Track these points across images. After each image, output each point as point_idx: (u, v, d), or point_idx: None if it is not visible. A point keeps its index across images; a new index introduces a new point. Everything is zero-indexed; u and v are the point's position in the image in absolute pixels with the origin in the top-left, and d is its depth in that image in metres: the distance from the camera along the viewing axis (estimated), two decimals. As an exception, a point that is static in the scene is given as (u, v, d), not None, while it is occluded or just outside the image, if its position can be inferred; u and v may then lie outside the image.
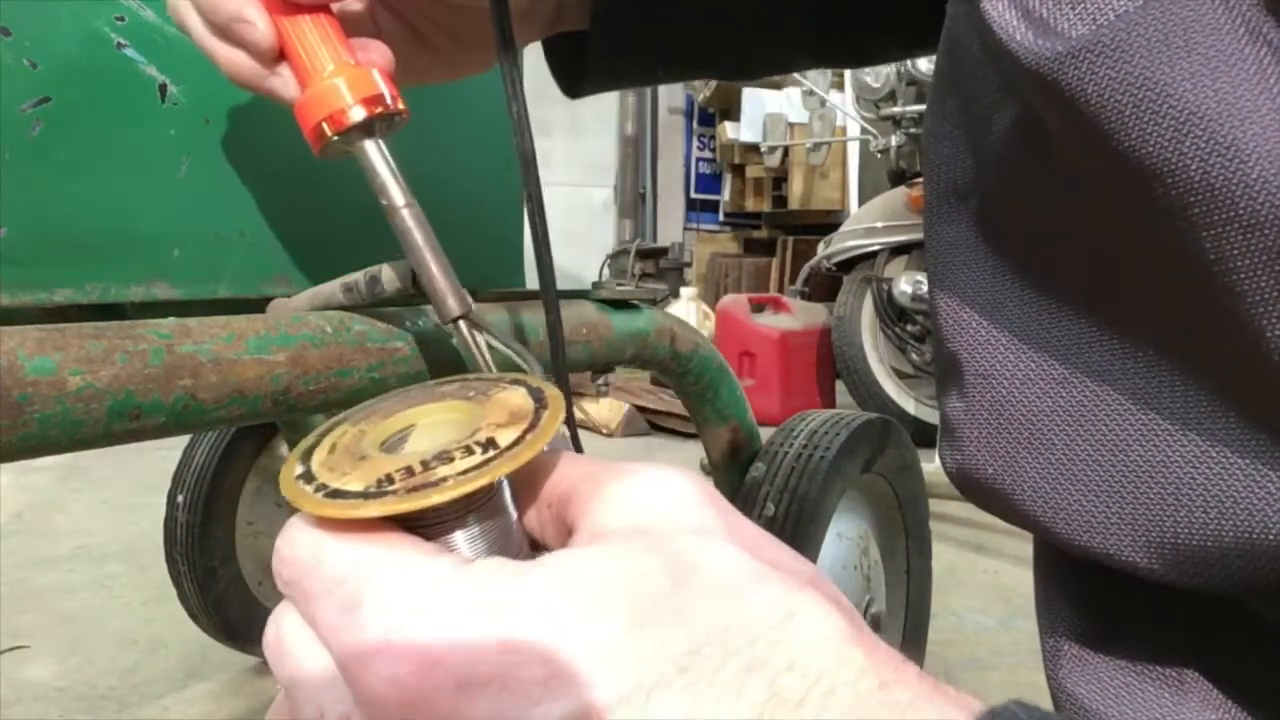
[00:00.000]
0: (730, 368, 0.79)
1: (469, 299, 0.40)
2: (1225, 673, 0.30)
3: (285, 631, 0.23)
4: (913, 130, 2.89)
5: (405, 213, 0.40)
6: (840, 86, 3.61)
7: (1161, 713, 0.30)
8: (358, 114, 0.39)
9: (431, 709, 0.20)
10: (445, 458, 0.23)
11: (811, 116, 3.75)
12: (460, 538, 0.23)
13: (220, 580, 1.06)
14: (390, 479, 0.23)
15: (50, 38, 0.46)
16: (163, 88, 0.51)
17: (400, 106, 0.41)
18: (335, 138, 0.40)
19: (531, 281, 0.77)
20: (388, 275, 0.46)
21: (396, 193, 0.40)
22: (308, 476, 0.24)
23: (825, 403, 3.16)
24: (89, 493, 1.90)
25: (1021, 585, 1.46)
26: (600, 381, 2.92)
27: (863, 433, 0.82)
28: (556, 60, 0.54)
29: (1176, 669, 0.31)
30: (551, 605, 0.20)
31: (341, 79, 0.39)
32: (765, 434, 0.83)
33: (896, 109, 2.96)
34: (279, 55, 0.41)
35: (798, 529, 0.74)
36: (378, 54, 0.42)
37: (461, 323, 0.40)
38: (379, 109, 0.40)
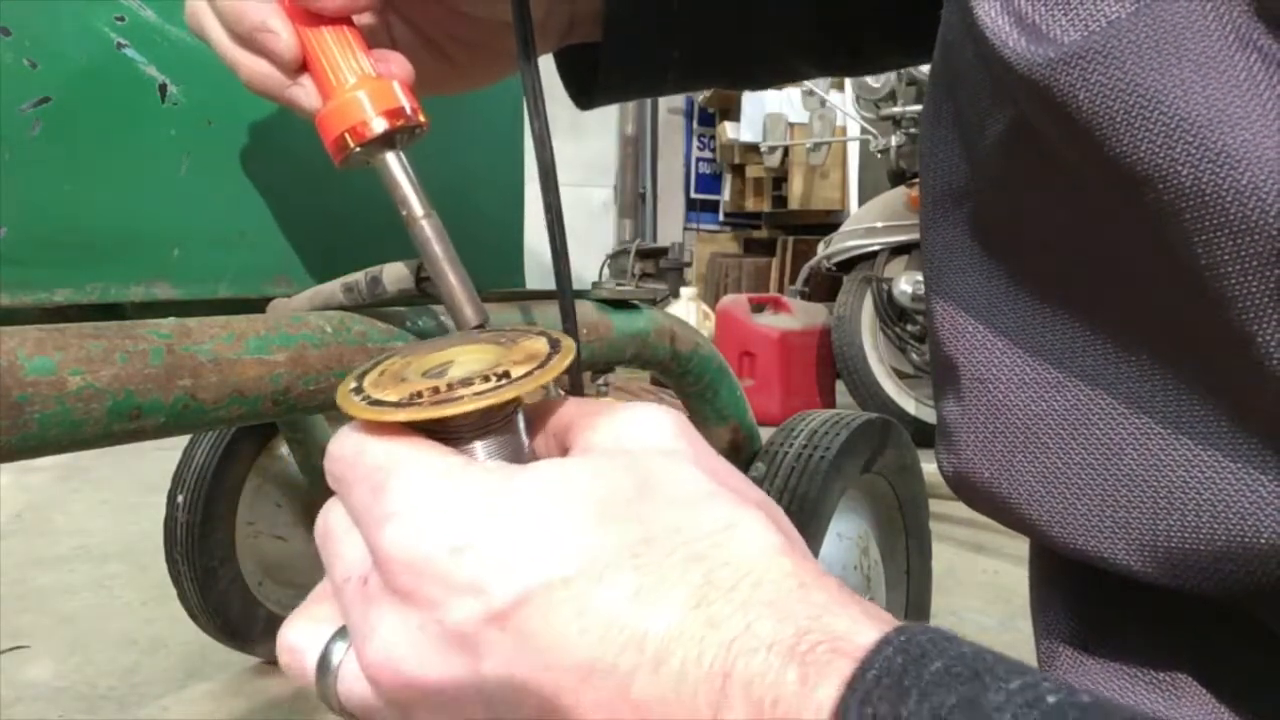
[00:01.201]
0: (730, 368, 0.79)
1: (485, 309, 0.40)
2: (1219, 675, 0.31)
3: (331, 518, 0.28)
4: (913, 130, 2.89)
5: (425, 224, 0.40)
6: (840, 86, 3.60)
7: (1157, 715, 0.31)
8: (379, 126, 0.40)
9: (429, 568, 0.24)
10: (467, 382, 0.28)
11: (811, 116, 3.75)
12: (478, 448, 0.29)
13: (220, 580, 1.06)
14: (420, 394, 0.28)
15: (50, 38, 0.46)
16: (163, 88, 0.51)
17: (421, 119, 0.41)
18: (357, 149, 0.40)
19: (532, 282, 0.77)
20: (389, 275, 0.46)
21: (416, 204, 0.40)
22: (358, 390, 0.29)
23: (825, 403, 3.16)
24: (89, 493, 1.90)
25: (1021, 585, 1.46)
26: (600, 381, 2.92)
27: (863, 433, 0.83)
28: (568, 72, 0.54)
29: (1170, 672, 0.31)
30: (534, 497, 0.25)
31: (364, 91, 0.40)
32: (765, 434, 0.83)
33: (896, 109, 2.96)
34: (301, 66, 0.41)
35: (798, 528, 0.74)
36: (398, 66, 0.42)
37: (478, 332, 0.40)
38: (400, 121, 0.40)
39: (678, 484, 0.26)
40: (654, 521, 0.24)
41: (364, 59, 0.41)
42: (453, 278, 0.40)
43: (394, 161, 0.41)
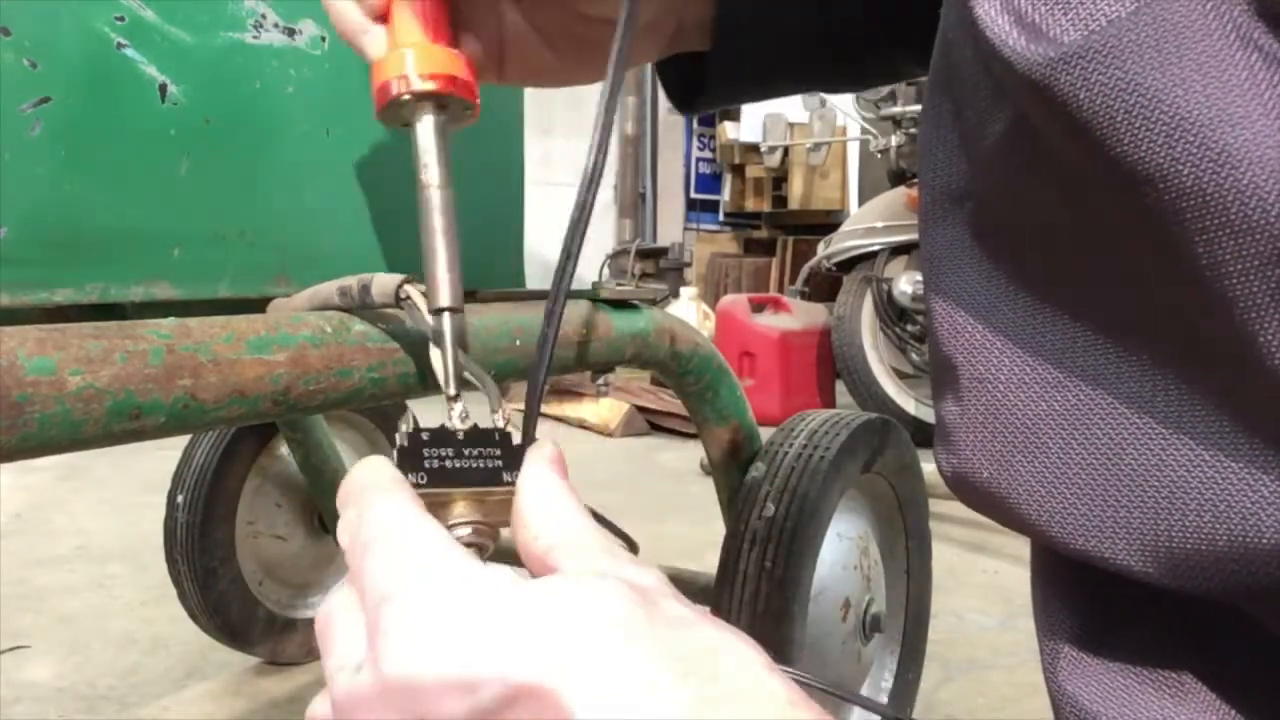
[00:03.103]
0: (730, 368, 0.79)
1: (462, 299, 0.40)
2: (1224, 676, 0.30)
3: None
4: (913, 130, 2.89)
5: (434, 193, 0.40)
6: (840, 86, 3.60)
7: (1161, 715, 0.31)
8: (418, 85, 0.40)
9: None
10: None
11: (811, 116, 3.75)
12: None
13: (220, 580, 1.06)
14: None
15: (50, 38, 0.46)
16: (163, 88, 0.51)
17: (474, 100, 0.42)
18: (403, 98, 0.40)
19: (532, 282, 0.77)
20: (376, 286, 0.46)
21: (434, 172, 0.40)
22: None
23: (825, 403, 3.16)
24: (89, 493, 1.90)
25: (1021, 585, 1.46)
26: (600, 381, 2.92)
27: (863, 433, 0.83)
28: (673, 79, 0.55)
29: (1175, 672, 0.31)
30: (540, 607, 0.25)
31: (414, 50, 0.41)
32: (765, 434, 0.83)
33: (896, 109, 2.96)
34: (383, 16, 0.42)
35: (798, 529, 0.75)
36: (468, 44, 0.43)
37: (445, 315, 0.40)
38: (441, 87, 0.41)
39: (667, 610, 0.26)
40: (652, 638, 0.25)
41: (439, 27, 0.42)
42: (441, 254, 0.40)
43: (429, 125, 0.41)
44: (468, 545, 0.32)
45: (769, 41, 0.52)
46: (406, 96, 0.40)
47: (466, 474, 0.32)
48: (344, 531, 0.30)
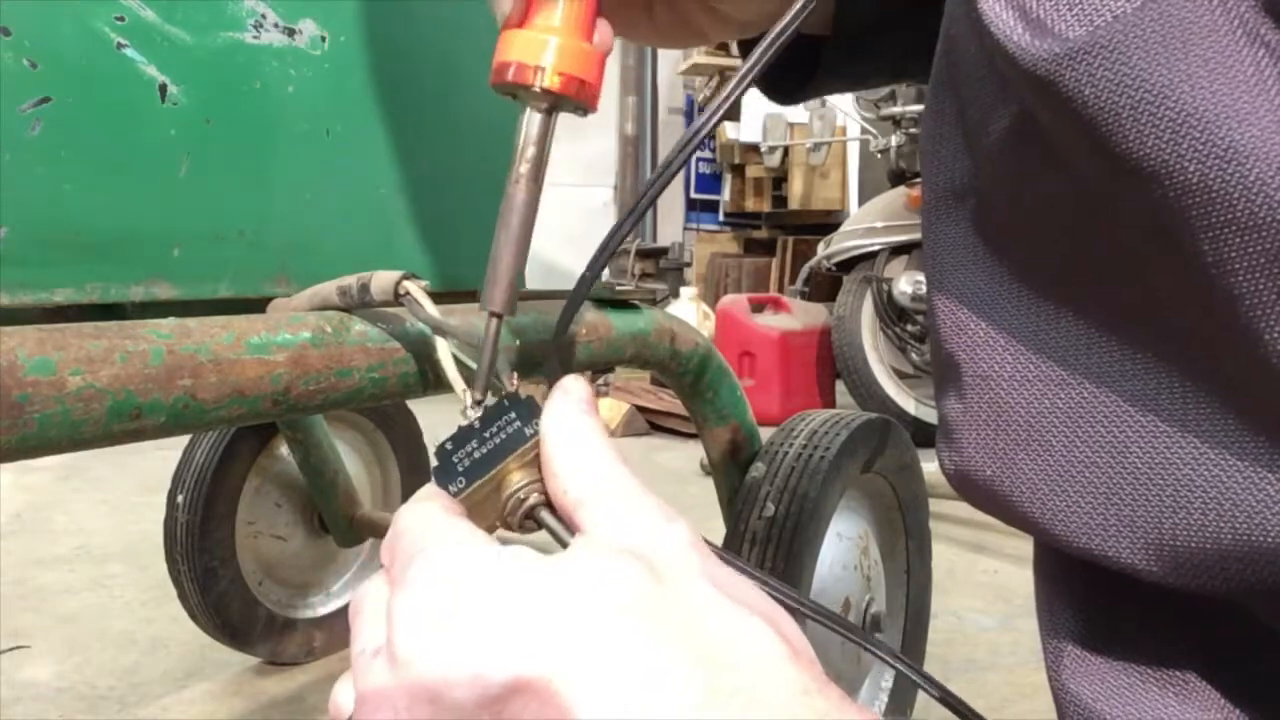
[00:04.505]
0: (730, 368, 0.79)
1: (514, 305, 0.39)
2: (1228, 674, 0.30)
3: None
4: (913, 130, 2.89)
5: (522, 189, 0.39)
6: (840, 86, 3.60)
7: (1165, 714, 0.30)
8: (550, 82, 0.39)
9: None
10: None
11: (811, 116, 3.75)
12: None
13: (220, 580, 1.06)
14: None
15: (50, 38, 0.46)
16: (163, 88, 0.51)
17: (594, 107, 0.41)
18: (533, 88, 0.39)
19: (532, 281, 0.77)
20: (376, 284, 0.46)
21: (529, 166, 0.40)
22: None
23: (825, 403, 3.16)
24: (89, 493, 1.90)
25: (1021, 585, 1.46)
26: (600, 381, 2.92)
27: (863, 433, 0.82)
28: (778, 67, 0.54)
29: (1179, 670, 0.31)
30: (550, 589, 0.25)
31: (565, 44, 0.39)
32: (765, 434, 0.83)
33: (896, 109, 2.95)
34: None
35: (798, 529, 0.74)
36: (601, 36, 0.41)
37: (493, 320, 0.39)
38: (569, 92, 0.39)
39: (686, 591, 0.26)
40: (664, 625, 0.24)
41: (579, 9, 0.40)
42: (507, 254, 0.40)
43: (540, 119, 0.40)
44: (535, 506, 0.32)
45: (888, 31, 0.50)
46: (537, 89, 0.39)
47: (497, 451, 0.33)
48: (384, 545, 0.31)
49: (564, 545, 0.29)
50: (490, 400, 0.35)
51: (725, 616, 0.25)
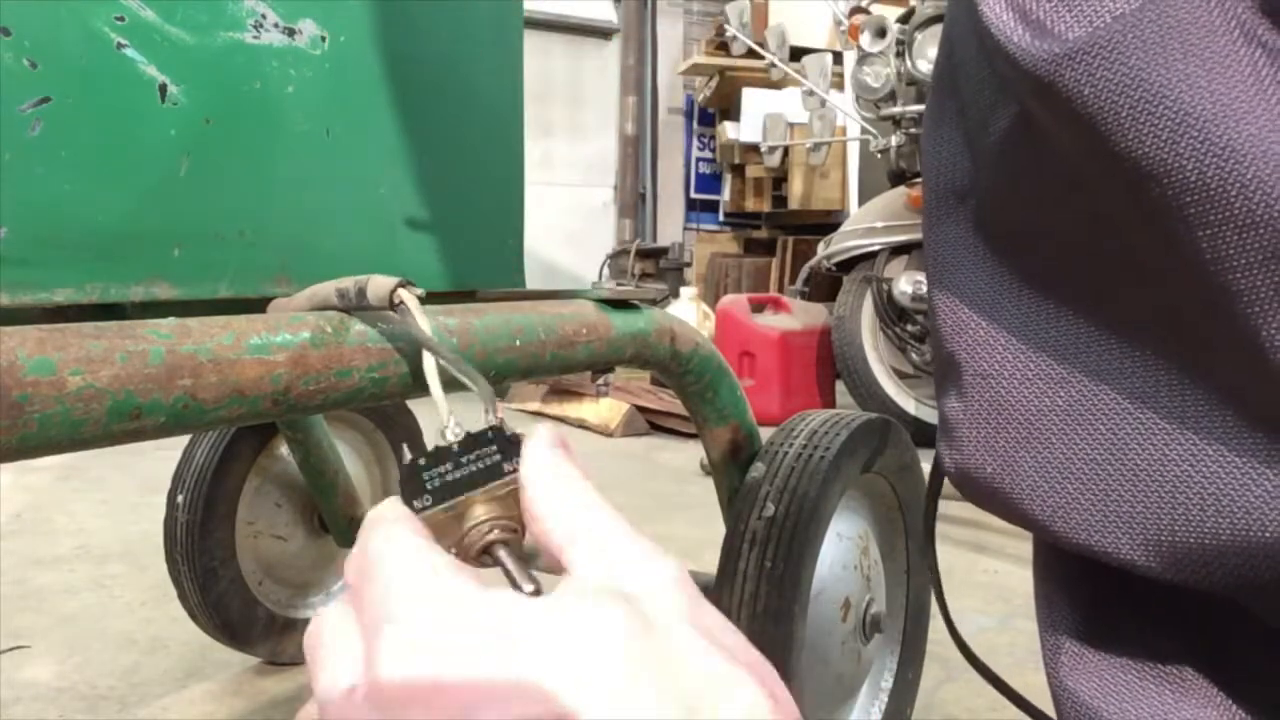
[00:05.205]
0: (730, 368, 0.79)
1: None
2: (1225, 670, 0.30)
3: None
4: (913, 130, 2.89)
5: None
6: (840, 86, 3.60)
7: (1162, 710, 0.31)
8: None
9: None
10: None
11: (811, 116, 3.74)
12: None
13: (220, 580, 1.06)
14: None
15: (50, 38, 0.46)
16: (163, 88, 0.51)
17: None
18: None
19: (532, 281, 0.77)
20: (373, 289, 0.46)
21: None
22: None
23: (825, 403, 3.16)
24: (89, 493, 1.90)
25: (1021, 585, 1.46)
26: (600, 381, 2.92)
27: (863, 433, 0.82)
28: None
29: (1176, 666, 0.31)
30: (538, 632, 0.25)
31: None
32: (765, 434, 0.83)
33: (896, 109, 2.95)
34: None
35: (797, 529, 0.75)
36: None
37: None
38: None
39: (672, 638, 0.26)
40: (650, 672, 0.24)
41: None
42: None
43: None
44: (494, 542, 0.32)
45: None
46: None
47: (469, 479, 0.33)
48: (348, 565, 0.30)
49: (515, 588, 0.29)
50: (475, 428, 0.35)
51: (711, 666, 0.25)
